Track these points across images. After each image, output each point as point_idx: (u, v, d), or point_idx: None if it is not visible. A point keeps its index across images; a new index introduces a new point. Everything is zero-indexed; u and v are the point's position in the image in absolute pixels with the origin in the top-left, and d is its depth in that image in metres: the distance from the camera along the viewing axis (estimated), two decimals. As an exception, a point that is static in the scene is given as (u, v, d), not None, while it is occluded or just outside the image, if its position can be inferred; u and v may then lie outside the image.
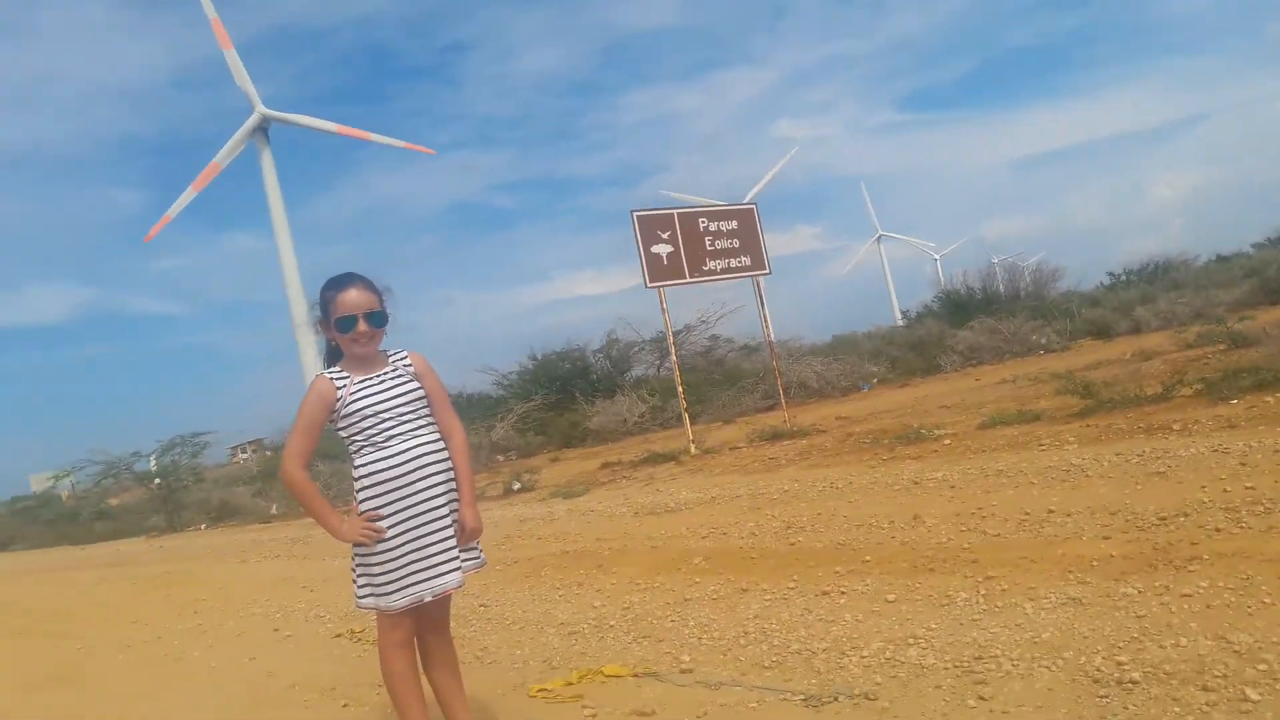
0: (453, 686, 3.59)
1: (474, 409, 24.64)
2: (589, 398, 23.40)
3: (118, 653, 7.32)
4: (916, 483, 7.10)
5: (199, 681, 5.87)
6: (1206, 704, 2.93)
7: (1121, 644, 3.50)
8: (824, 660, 4.02)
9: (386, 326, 3.44)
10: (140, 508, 25.41)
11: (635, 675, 4.32)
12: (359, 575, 3.41)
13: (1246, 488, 5.06)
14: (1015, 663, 3.56)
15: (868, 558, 5.43)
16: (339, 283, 3.40)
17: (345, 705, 4.74)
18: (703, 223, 12.84)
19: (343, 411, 3.33)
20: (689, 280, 12.65)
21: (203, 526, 19.42)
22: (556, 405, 23.89)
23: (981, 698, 3.31)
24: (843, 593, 4.91)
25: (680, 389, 13.06)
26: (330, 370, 3.40)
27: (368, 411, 3.33)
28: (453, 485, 3.45)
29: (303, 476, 3.33)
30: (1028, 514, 5.59)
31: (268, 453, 37.75)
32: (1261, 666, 3.09)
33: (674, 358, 13.79)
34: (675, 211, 12.76)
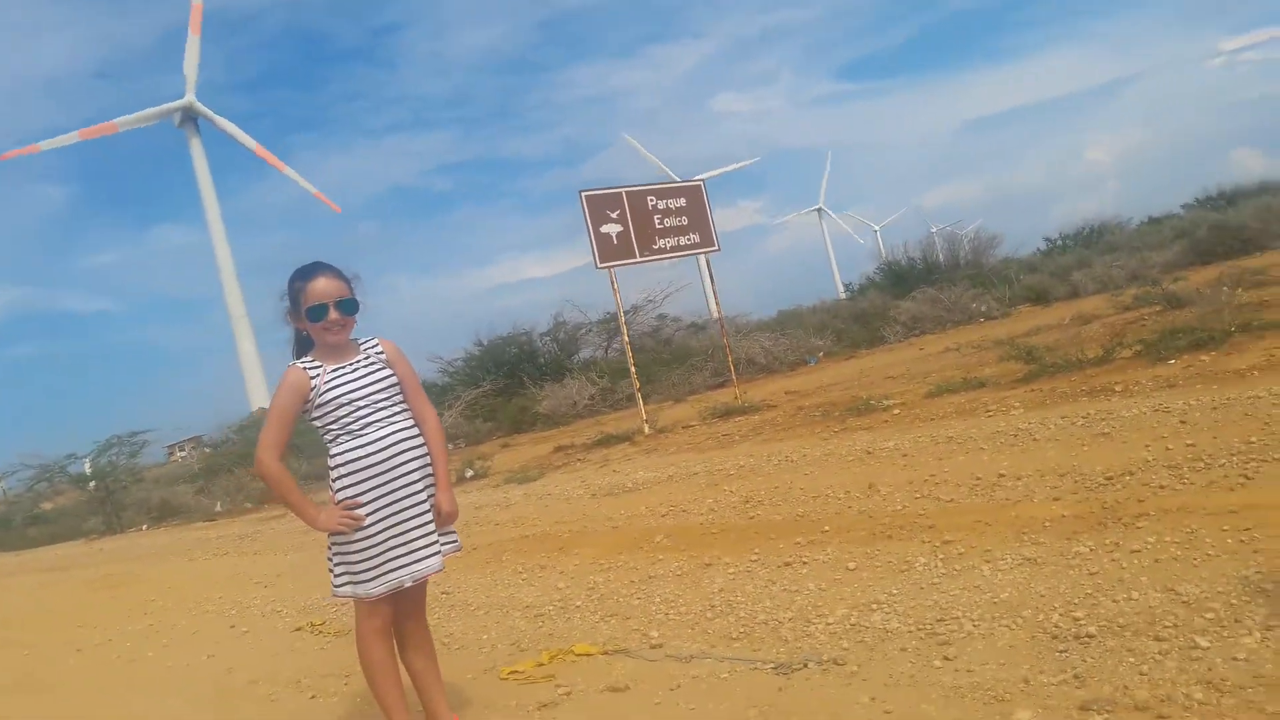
0: (430, 672, 3.62)
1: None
2: (537, 382, 23.33)
3: (69, 657, 7.17)
4: (870, 453, 7.23)
5: (158, 682, 5.77)
6: (1159, 653, 3.05)
7: (1077, 600, 3.61)
8: (791, 629, 4.10)
9: (357, 314, 3.42)
10: (77, 510, 24.78)
11: (605, 653, 4.36)
12: (336, 564, 3.40)
13: (1187, 445, 5.24)
14: (976, 623, 3.65)
15: (827, 528, 5.52)
16: (307, 272, 3.37)
17: (313, 697, 4.70)
18: (651, 201, 12.84)
19: (317, 401, 3.31)
20: (639, 259, 12.67)
21: (144, 527, 19.03)
22: (505, 391, 23.78)
23: (946, 658, 3.40)
24: (804, 563, 4.99)
25: (633, 369, 13.08)
26: (302, 360, 3.38)
27: (343, 400, 3.32)
28: (429, 470, 3.46)
29: (279, 467, 3.31)
30: (979, 479, 5.73)
31: (206, 450, 36.95)
32: (1209, 615, 3.21)
33: (625, 338, 13.82)
34: (624, 190, 12.73)
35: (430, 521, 3.43)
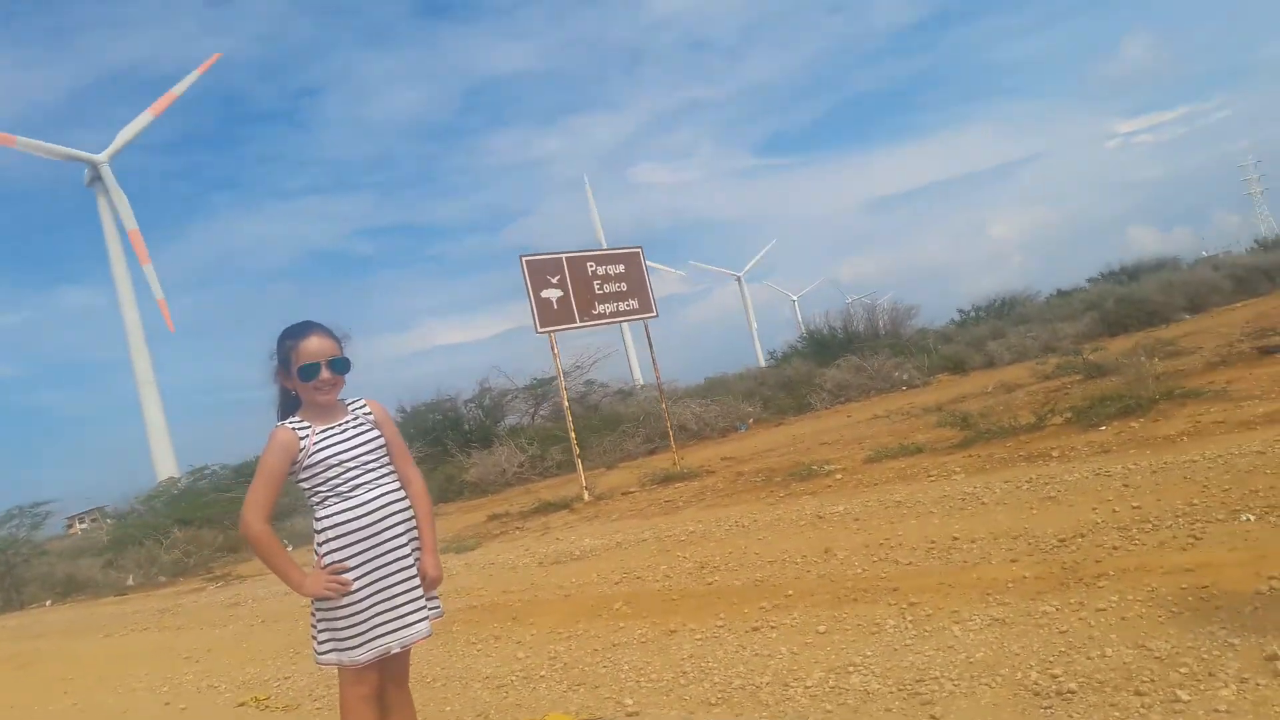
0: (412, 742, 3.51)
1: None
2: (464, 449, 23.03)
3: (-16, 742, 6.74)
4: (820, 517, 7.32)
5: (91, 766, 5.46)
6: (1142, 707, 3.15)
7: (1052, 658, 3.71)
8: (770, 693, 4.10)
9: (348, 373, 3.38)
10: (-31, 586, 23.38)
11: (580, 722, 4.29)
12: (320, 630, 3.30)
13: (1133, 507, 5.45)
14: (956, 682, 3.72)
15: (790, 592, 5.56)
16: (298, 331, 3.33)
17: (270, 777, 4.51)
18: (590, 266, 12.97)
19: (305, 462, 3.25)
20: (580, 324, 12.74)
21: (48, 603, 18.02)
22: (429, 458, 23.38)
23: (933, 717, 3.45)
24: (773, 627, 5.01)
25: (572, 435, 13.05)
26: (290, 420, 3.31)
27: (332, 461, 3.26)
28: (415, 534, 3.40)
29: (265, 529, 3.22)
30: (934, 542, 5.85)
31: (110, 520, 35.27)
32: (1184, 669, 3.33)
33: (565, 403, 13.79)
34: (564, 256, 12.83)
35: (418, 586, 3.38)
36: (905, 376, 21.41)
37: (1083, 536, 5.20)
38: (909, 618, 4.61)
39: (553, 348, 12.83)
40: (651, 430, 21.09)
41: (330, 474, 3.29)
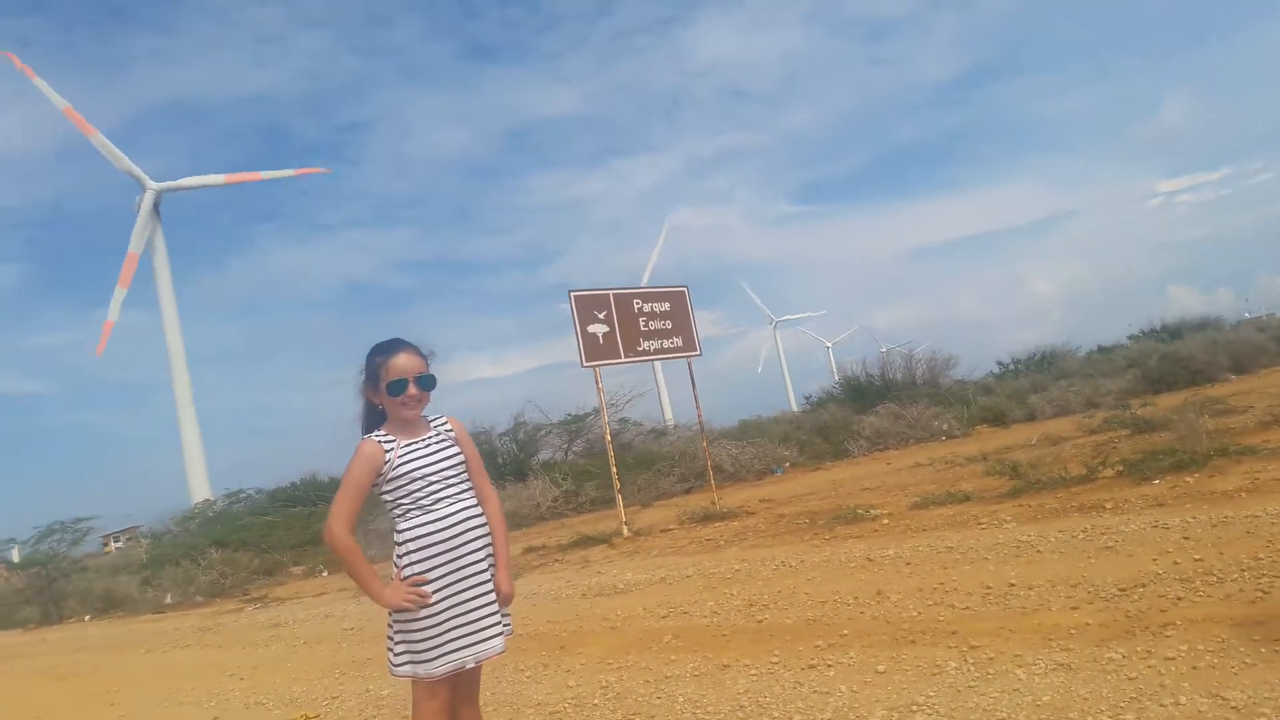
0: (482, 759, 3.54)
1: (372, 498, 24.00)
2: (498, 482, 23.08)
3: (35, 748, 6.83)
4: (870, 560, 7.29)
5: (145, 774, 5.52)
6: (1221, 756, 3.12)
7: (1122, 704, 3.68)
8: (832, 730, 4.09)
9: (434, 389, 3.47)
10: (7, 599, 23.65)
11: (640, 751, 4.29)
12: (397, 642, 3.36)
13: (1195, 559, 5.39)
14: (1025, 725, 3.69)
15: (845, 632, 5.54)
16: (388, 348, 3.43)
17: (328, 792, 4.54)
18: (637, 304, 13.08)
19: (389, 475, 3.33)
20: (624, 360, 12.82)
21: (87, 618, 18.20)
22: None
23: (1005, 759, 3.43)
24: (829, 665, 4.99)
25: (614, 469, 13.08)
26: (376, 434, 3.40)
27: (415, 475, 3.34)
28: (491, 550, 3.46)
29: (349, 539, 3.30)
30: (990, 587, 5.82)
31: (145, 540, 35.63)
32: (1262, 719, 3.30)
33: (607, 437, 13.85)
34: (611, 292, 12.96)
35: (494, 602, 3.44)
36: (945, 426, 21.23)
37: (1144, 586, 5.15)
38: (970, 660, 4.58)
39: (597, 382, 12.92)
40: (686, 470, 21.07)
41: (413, 487, 3.37)
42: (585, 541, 12.60)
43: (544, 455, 27.75)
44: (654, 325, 13.23)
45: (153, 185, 49.83)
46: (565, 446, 28.25)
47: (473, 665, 3.38)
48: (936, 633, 5.14)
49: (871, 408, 24.46)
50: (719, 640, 6.04)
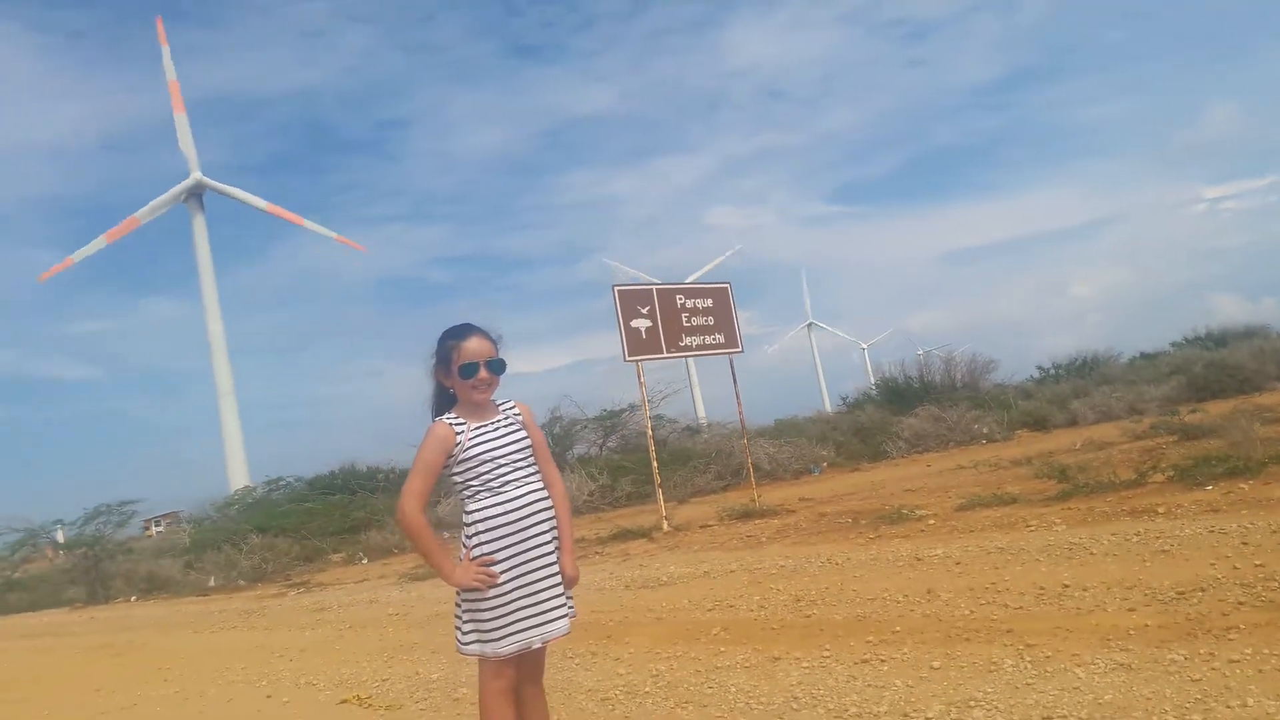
0: (546, 738, 3.60)
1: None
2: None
3: (95, 719, 6.99)
4: (919, 559, 7.27)
5: (204, 748, 5.65)
6: (1293, 758, 3.09)
7: (1187, 705, 3.66)
8: (889, 722, 4.10)
9: (504, 374, 3.53)
10: (54, 578, 24.16)
11: (696, 737, 4.33)
12: (465, 621, 3.42)
13: (1256, 565, 5.33)
14: (1087, 723, 3.68)
15: (897, 628, 5.54)
16: (460, 332, 3.50)
17: (387, 769, 4.62)
18: (680, 299, 13.11)
19: (460, 456, 3.39)
20: (666, 355, 12.87)
21: (133, 598, 18.57)
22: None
23: (1069, 754, 3.43)
24: (882, 660, 5.00)
25: (654, 463, 13.12)
26: (447, 416, 3.46)
27: (486, 457, 3.40)
28: (557, 533, 3.51)
29: (421, 519, 3.37)
30: (1043, 588, 5.79)
31: (186, 526, 36.20)
32: (1333, 724, 3.27)
33: (649, 431, 13.88)
34: (654, 287, 13.02)
35: (560, 584, 3.49)
36: (985, 430, 21.07)
37: (1203, 590, 5.10)
38: (1027, 658, 4.57)
39: (639, 376, 12.97)
40: (723, 467, 21.07)
41: (483, 469, 3.42)
42: (625, 535, 12.66)
43: (579, 450, 27.89)
44: (696, 321, 13.26)
45: (196, 174, 50.59)
46: (600, 442, 28.36)
47: (539, 645, 3.43)
48: (991, 631, 5.13)
49: (909, 410, 24.31)
50: (768, 634, 6.06)
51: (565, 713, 5.14)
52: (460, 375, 3.47)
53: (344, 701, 6.26)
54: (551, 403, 28.50)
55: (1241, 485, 7.75)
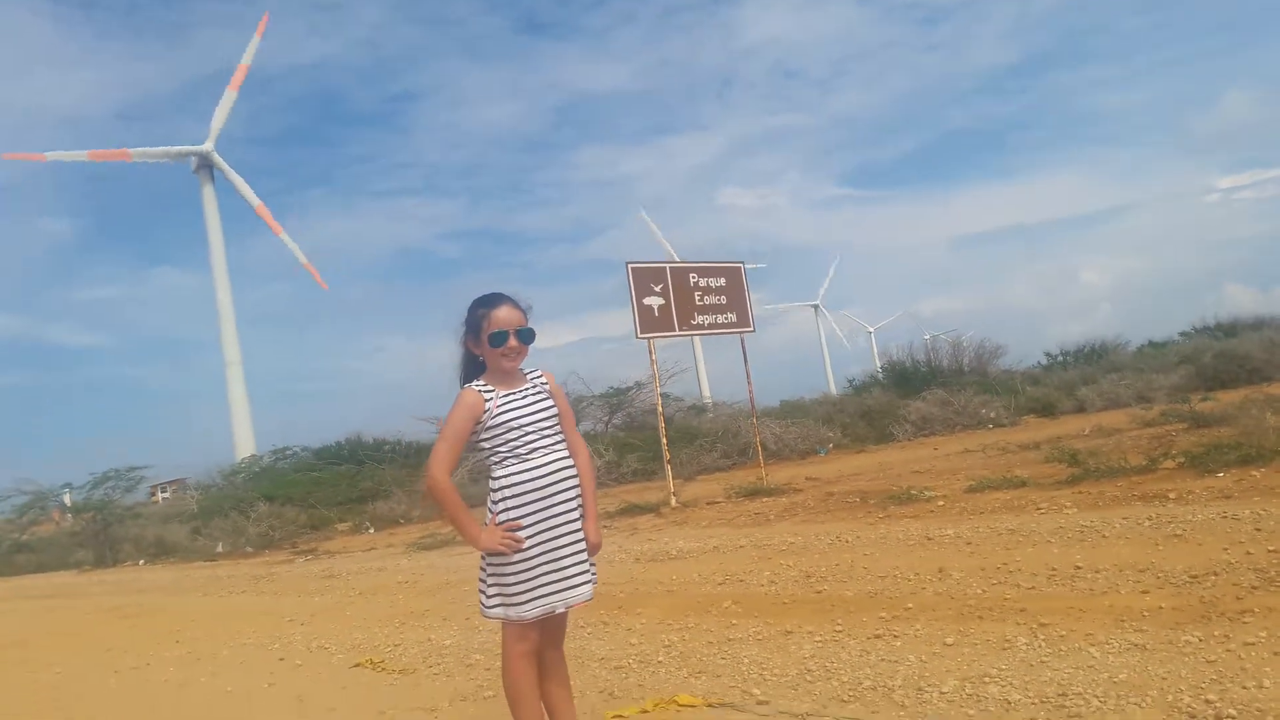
0: (566, 700, 3.66)
1: (417, 459, 24.33)
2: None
3: (107, 678, 7.09)
4: (929, 539, 7.30)
5: (219, 705, 5.71)
6: (1309, 738, 3.12)
7: (1203, 685, 3.68)
8: (904, 695, 4.13)
9: (533, 343, 3.55)
10: (62, 541, 24.35)
11: (710, 705, 4.38)
12: (490, 585, 3.45)
13: (1269, 550, 5.35)
14: (1102, 700, 3.71)
15: (909, 605, 5.57)
16: (491, 300, 3.51)
17: (404, 730, 4.67)
18: (693, 278, 13.10)
19: (488, 423, 3.41)
20: (678, 333, 12.87)
21: (141, 562, 18.71)
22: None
23: (1085, 730, 3.46)
24: (895, 636, 5.03)
25: (664, 439, 13.15)
26: (476, 383, 3.48)
27: (513, 424, 3.42)
28: (581, 500, 3.54)
29: (448, 483, 3.39)
30: (1055, 569, 5.81)
31: (193, 493, 36.40)
32: (1350, 706, 3.29)
33: (659, 408, 13.91)
34: (668, 265, 13.01)
35: (584, 550, 3.52)
36: (992, 415, 21.06)
37: (1216, 574, 5.12)
38: (1041, 637, 4.60)
39: (651, 353, 12.98)
40: (729, 446, 21.13)
41: (511, 436, 3.45)
42: (632, 510, 12.71)
43: (585, 427, 27.97)
44: (709, 300, 13.25)
45: (209, 145, 50.34)
46: (606, 419, 28.43)
47: (562, 611, 3.46)
48: (1004, 610, 5.16)
49: (916, 393, 24.31)
50: (779, 608, 6.10)
51: (579, 680, 5.17)
52: (490, 343, 3.48)
53: (357, 665, 6.31)
54: (558, 379, 28.38)
55: (1254, 473, 7.76)
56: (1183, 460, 8.64)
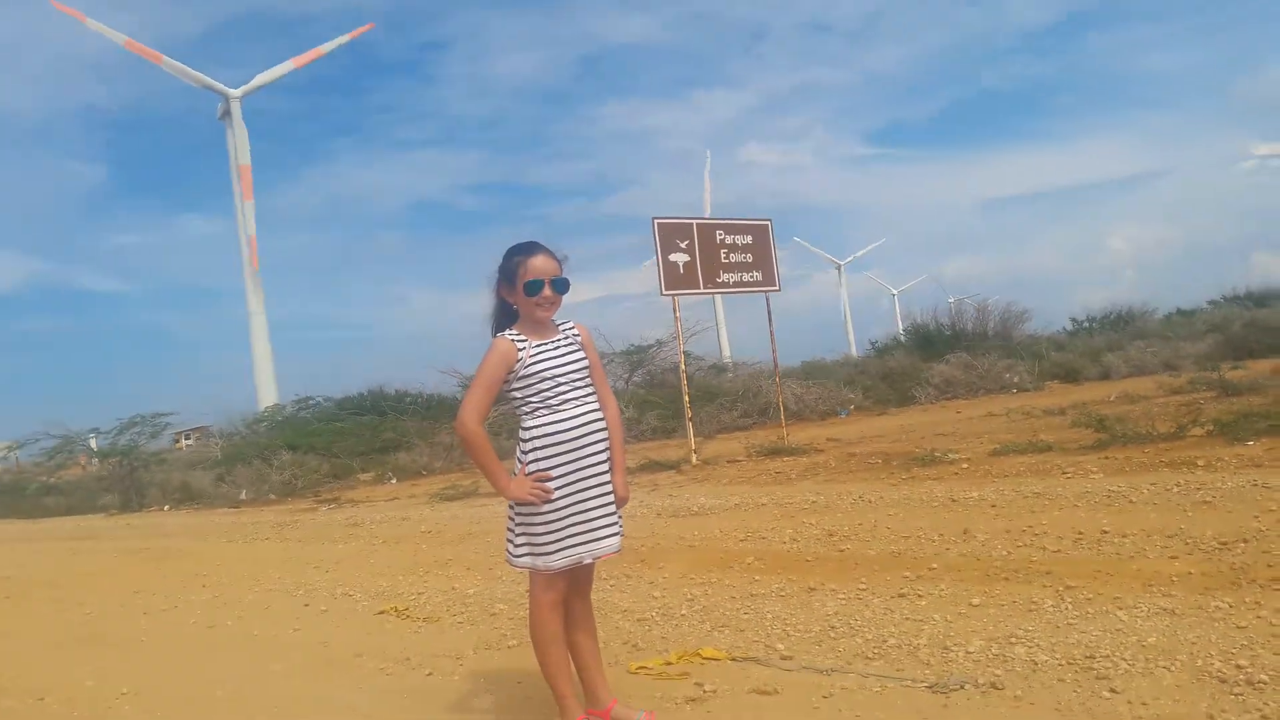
0: (593, 651, 3.68)
1: (439, 412, 24.45)
2: (561, 405, 23.36)
3: (138, 618, 7.20)
4: (954, 500, 7.27)
5: (246, 647, 5.80)
6: (1343, 705, 3.09)
7: (1233, 650, 3.66)
8: (929, 654, 4.13)
9: (567, 293, 3.52)
10: (89, 485, 24.75)
11: (734, 659, 4.40)
12: (519, 534, 3.45)
13: (1302, 519, 5.29)
14: (1130, 663, 3.69)
15: (934, 565, 5.57)
16: (527, 249, 3.48)
17: (429, 674, 4.73)
18: (720, 235, 13.01)
19: (521, 372, 3.39)
20: (703, 291, 12.82)
21: (166, 507, 18.98)
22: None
23: (1113, 690, 3.45)
24: (920, 596, 5.02)
25: (686, 397, 13.14)
26: (509, 332, 3.46)
27: (546, 374, 3.40)
28: (609, 453, 3.53)
29: (480, 431, 3.38)
30: (1082, 533, 5.78)
31: (216, 440, 36.81)
32: (1384, 675, 3.26)
33: (682, 365, 13.87)
34: (694, 222, 12.91)
35: (612, 502, 3.51)
36: (1016, 379, 20.92)
37: (1246, 542, 5.08)
38: (1068, 600, 4.58)
39: (675, 310, 12.94)
40: (749, 405, 21.12)
41: (543, 386, 3.43)
42: (653, 466, 12.75)
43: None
44: (735, 258, 13.16)
45: (236, 94, 50.12)
46: (627, 376, 28.45)
47: (589, 561, 3.47)
48: (1030, 572, 5.14)
49: (939, 356, 24.16)
50: (802, 565, 6.11)
51: (603, 631, 5.14)
52: (525, 292, 3.46)
53: (381, 613, 6.38)
54: (578, 335, 28.52)
55: (1285, 442, 7.67)
56: (1212, 428, 8.56)
